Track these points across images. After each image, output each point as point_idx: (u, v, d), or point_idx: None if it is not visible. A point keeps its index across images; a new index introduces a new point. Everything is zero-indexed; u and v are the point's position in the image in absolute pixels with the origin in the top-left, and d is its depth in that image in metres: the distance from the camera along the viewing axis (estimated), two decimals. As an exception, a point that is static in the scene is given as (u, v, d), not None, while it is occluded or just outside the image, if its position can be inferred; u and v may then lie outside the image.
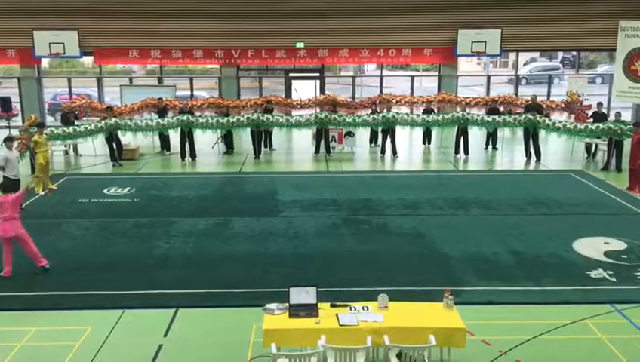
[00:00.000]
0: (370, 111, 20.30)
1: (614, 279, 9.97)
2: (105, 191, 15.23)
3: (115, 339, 8.22)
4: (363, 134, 20.63)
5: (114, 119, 18.19)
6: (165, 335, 8.34)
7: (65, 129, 17.67)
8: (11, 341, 8.10)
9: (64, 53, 23.57)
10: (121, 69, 33.20)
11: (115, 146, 18.37)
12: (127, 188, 15.41)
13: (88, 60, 29.36)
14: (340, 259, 10.85)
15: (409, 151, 20.71)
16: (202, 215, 13.29)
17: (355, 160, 19.19)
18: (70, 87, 25.56)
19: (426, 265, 10.60)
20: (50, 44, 23.22)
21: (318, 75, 25.66)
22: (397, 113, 19.17)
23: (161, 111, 19.91)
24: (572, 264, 10.63)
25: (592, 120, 18.31)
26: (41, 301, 9.29)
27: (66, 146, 19.26)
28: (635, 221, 13.02)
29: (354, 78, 28.17)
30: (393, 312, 7.30)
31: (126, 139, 19.21)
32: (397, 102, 21.84)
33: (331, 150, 19.54)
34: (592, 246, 11.34)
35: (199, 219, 12.94)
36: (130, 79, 27.65)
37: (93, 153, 19.49)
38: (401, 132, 19.75)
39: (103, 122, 18.02)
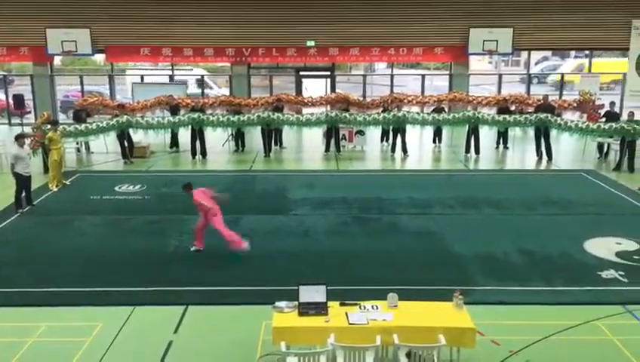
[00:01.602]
0: (381, 109, 20.28)
1: (626, 280, 9.88)
2: (116, 188, 15.29)
3: (125, 335, 8.25)
4: (374, 133, 20.60)
5: (125, 117, 18.28)
6: (175, 331, 8.37)
7: (77, 126, 17.75)
8: (22, 337, 8.15)
9: (76, 51, 23.73)
10: (133, 67, 33.29)
11: (126, 144, 18.45)
12: (139, 186, 15.48)
13: (100, 58, 29.49)
14: (350, 257, 10.84)
15: (419, 150, 20.66)
16: (212, 213, 13.30)
17: (366, 158, 19.17)
18: (82, 85, 25.69)
19: (436, 264, 10.56)
20: (62, 41, 23.39)
21: (328, 73, 25.65)
22: (407, 112, 19.16)
23: (174, 109, 20.00)
24: (583, 264, 10.56)
25: (604, 119, 18.21)
26: (52, 297, 9.34)
27: (77, 143, 19.36)
28: (648, 221, 12.91)
29: (364, 76, 28.15)
30: (403, 311, 7.28)
31: (137, 136, 19.27)
32: (408, 101, 21.78)
33: (342, 148, 19.53)
34: (603, 247, 11.25)
35: (209, 217, 12.94)
36: (142, 77, 27.75)
37: (104, 150, 19.58)
38: (411, 131, 19.70)
39: (114, 120, 18.11)
